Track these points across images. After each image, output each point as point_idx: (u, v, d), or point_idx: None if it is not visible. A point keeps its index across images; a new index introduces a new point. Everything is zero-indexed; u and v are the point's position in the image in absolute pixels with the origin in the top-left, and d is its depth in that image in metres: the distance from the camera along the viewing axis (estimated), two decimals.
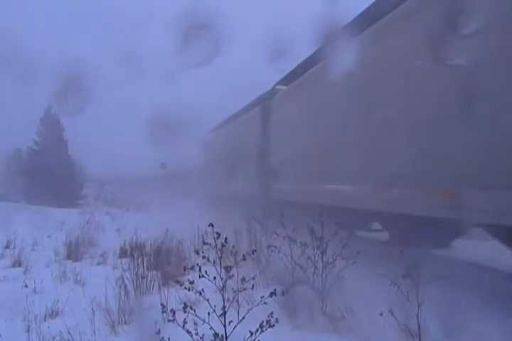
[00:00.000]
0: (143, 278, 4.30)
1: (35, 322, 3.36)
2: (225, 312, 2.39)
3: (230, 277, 2.43)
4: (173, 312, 2.34)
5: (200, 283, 2.44)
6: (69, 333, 2.94)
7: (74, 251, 6.56)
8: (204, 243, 2.56)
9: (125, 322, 3.52)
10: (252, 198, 10.72)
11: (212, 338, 2.39)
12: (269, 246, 4.42)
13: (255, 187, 10.75)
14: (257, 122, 11.04)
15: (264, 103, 10.74)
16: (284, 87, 9.81)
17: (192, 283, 2.42)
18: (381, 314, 2.72)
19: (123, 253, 6.10)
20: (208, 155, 17.97)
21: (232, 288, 2.50)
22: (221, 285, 2.43)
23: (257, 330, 2.31)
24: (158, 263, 4.86)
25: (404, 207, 4.60)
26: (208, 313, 2.36)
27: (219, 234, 2.49)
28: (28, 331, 3.20)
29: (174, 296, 3.58)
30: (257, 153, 10.80)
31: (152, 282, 4.36)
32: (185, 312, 2.34)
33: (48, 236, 8.24)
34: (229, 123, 15.10)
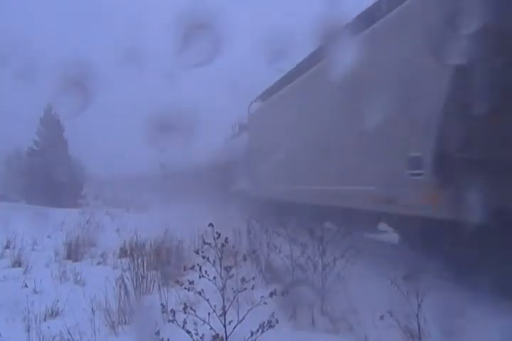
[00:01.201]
0: (143, 278, 4.29)
1: (35, 322, 3.35)
2: (225, 313, 2.39)
3: (230, 277, 2.43)
4: (173, 312, 2.34)
5: (200, 283, 2.44)
6: (69, 333, 2.93)
7: (74, 251, 6.56)
8: (204, 243, 2.56)
9: (125, 322, 3.51)
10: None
11: (212, 338, 2.38)
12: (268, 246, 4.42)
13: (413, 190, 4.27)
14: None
15: None
16: None
17: (192, 283, 2.42)
18: (382, 317, 2.71)
19: (123, 253, 6.09)
20: (258, 133, 11.13)
21: (232, 288, 2.50)
22: (221, 285, 2.43)
23: (258, 330, 2.31)
24: (158, 263, 4.85)
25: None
26: (208, 313, 2.36)
27: (219, 234, 2.49)
28: (28, 331, 3.19)
29: (174, 296, 3.58)
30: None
31: (152, 282, 4.35)
32: (185, 312, 2.34)
33: (48, 236, 8.23)
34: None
